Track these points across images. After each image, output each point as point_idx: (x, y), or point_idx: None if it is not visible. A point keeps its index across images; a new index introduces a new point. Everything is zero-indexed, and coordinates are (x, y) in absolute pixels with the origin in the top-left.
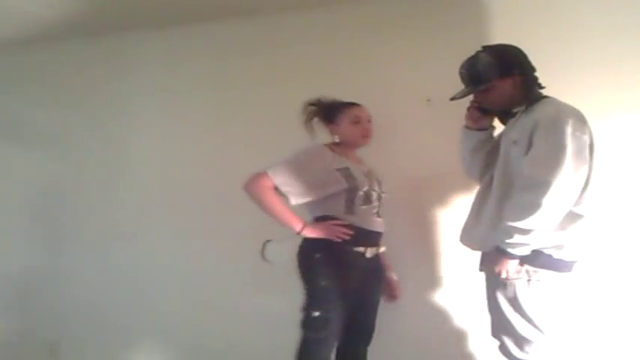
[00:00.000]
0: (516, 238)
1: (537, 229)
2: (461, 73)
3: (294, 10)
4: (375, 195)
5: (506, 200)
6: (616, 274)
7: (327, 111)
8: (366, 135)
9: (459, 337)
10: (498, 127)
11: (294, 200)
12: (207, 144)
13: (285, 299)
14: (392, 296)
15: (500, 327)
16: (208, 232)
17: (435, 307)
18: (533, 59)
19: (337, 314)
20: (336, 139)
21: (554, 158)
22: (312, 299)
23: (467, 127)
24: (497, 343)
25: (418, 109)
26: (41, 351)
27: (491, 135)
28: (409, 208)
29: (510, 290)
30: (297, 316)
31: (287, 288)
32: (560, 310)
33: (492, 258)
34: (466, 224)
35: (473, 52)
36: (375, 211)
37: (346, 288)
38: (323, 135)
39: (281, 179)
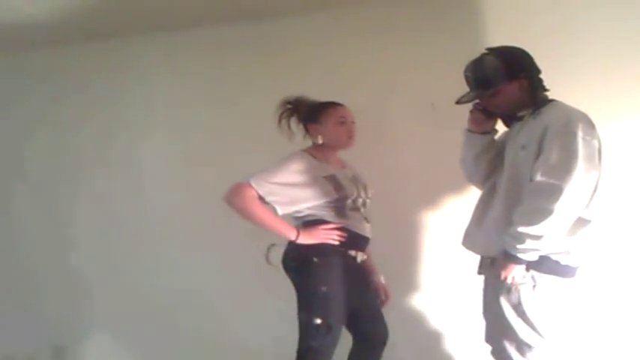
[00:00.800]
0: (528, 244)
1: (548, 235)
2: (466, 77)
3: (297, 14)
4: (360, 201)
5: (514, 205)
6: (618, 279)
7: (310, 111)
8: (351, 136)
9: (446, 341)
10: (500, 129)
11: (282, 210)
12: (211, 147)
13: (285, 301)
14: (381, 301)
15: (501, 332)
16: (210, 235)
17: (421, 311)
18: (536, 62)
19: (338, 320)
20: (319, 141)
21: (565, 164)
22: (312, 306)
23: (470, 130)
24: (489, 348)
25: (422, 114)
26: (46, 355)
27: (493, 139)
28: (405, 211)
29: (515, 295)
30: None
31: (286, 290)
32: (563, 316)
33: (498, 263)
34: (469, 228)
35: (476, 56)
36: (363, 216)
37: (344, 292)
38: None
39: (265, 189)
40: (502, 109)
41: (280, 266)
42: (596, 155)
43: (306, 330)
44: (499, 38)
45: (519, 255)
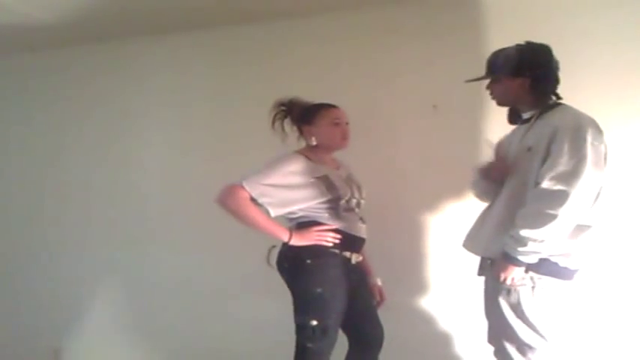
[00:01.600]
0: (529, 247)
1: (550, 239)
2: (487, 59)
3: (299, 16)
4: (354, 202)
5: (516, 207)
6: (617, 280)
7: (303, 112)
8: (345, 137)
9: (447, 342)
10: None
11: (275, 212)
12: (211, 150)
13: (282, 304)
14: (377, 302)
15: (502, 333)
16: (208, 237)
17: (423, 312)
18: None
19: (334, 321)
20: (313, 142)
21: (574, 169)
22: (308, 307)
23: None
24: (492, 348)
25: (424, 116)
26: (44, 357)
27: None
28: (404, 211)
29: (514, 297)
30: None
31: (283, 293)
32: (563, 317)
33: (498, 264)
34: (471, 230)
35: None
36: (358, 217)
37: (340, 294)
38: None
39: (258, 191)
40: (501, 100)
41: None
42: (602, 160)
43: (302, 332)
44: (501, 41)
45: (519, 257)
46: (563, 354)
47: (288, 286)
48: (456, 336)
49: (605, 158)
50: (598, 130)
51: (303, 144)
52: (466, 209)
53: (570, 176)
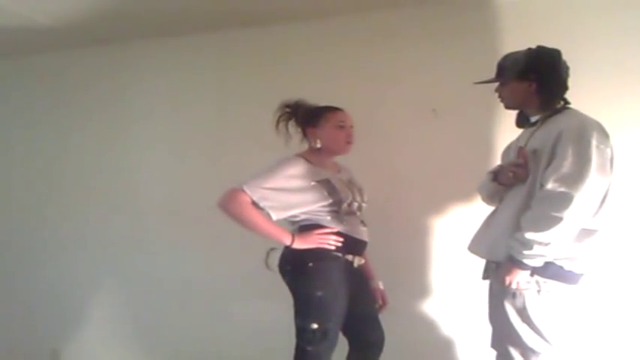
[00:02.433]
0: (535, 250)
1: (555, 242)
2: (497, 62)
3: (299, 19)
4: (356, 205)
5: (521, 210)
6: (623, 286)
7: (308, 114)
8: (349, 141)
9: (449, 347)
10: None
11: (276, 216)
12: (210, 152)
13: (282, 306)
14: (379, 306)
15: (506, 337)
16: (207, 239)
17: (425, 316)
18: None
19: (334, 325)
20: (317, 145)
21: (578, 172)
22: (309, 310)
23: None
24: (494, 353)
25: (423, 120)
26: (43, 358)
27: None
28: (406, 215)
29: (519, 300)
30: (293, 322)
31: (283, 295)
32: (568, 322)
33: (503, 267)
34: (477, 233)
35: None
36: (360, 220)
37: (341, 297)
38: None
39: (259, 195)
40: (508, 103)
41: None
42: (608, 164)
43: (302, 334)
44: (502, 44)
45: (525, 260)
46: (567, 359)
47: (290, 289)
48: (458, 340)
49: (612, 162)
50: (604, 134)
51: (306, 146)
52: (467, 212)
53: (574, 179)
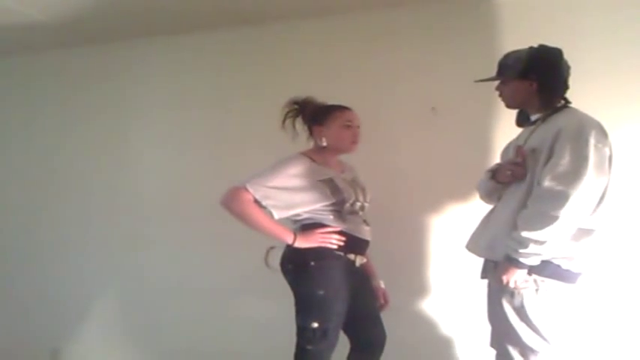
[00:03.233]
0: (531, 249)
1: (551, 241)
2: (498, 61)
3: (298, 18)
4: (359, 205)
5: (518, 208)
6: (622, 284)
7: (316, 112)
8: (355, 141)
9: (449, 346)
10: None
11: (279, 214)
12: (210, 151)
13: (282, 305)
14: (381, 305)
15: (505, 336)
16: (207, 238)
17: (425, 315)
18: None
19: (335, 324)
20: (323, 143)
21: (575, 170)
22: (309, 309)
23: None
24: (494, 352)
25: (423, 118)
26: (42, 358)
27: None
28: (405, 213)
29: (517, 299)
30: (293, 321)
31: (283, 294)
32: (566, 321)
33: (500, 266)
34: (475, 232)
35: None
36: (362, 219)
37: (342, 296)
38: (302, 136)
39: (262, 193)
40: (509, 102)
41: (279, 269)
42: (606, 163)
43: (302, 333)
44: (501, 43)
45: (521, 259)
46: (565, 357)
47: (291, 288)
48: (458, 339)
49: (610, 161)
50: (602, 133)
51: (312, 144)
52: (467, 211)
53: (571, 177)
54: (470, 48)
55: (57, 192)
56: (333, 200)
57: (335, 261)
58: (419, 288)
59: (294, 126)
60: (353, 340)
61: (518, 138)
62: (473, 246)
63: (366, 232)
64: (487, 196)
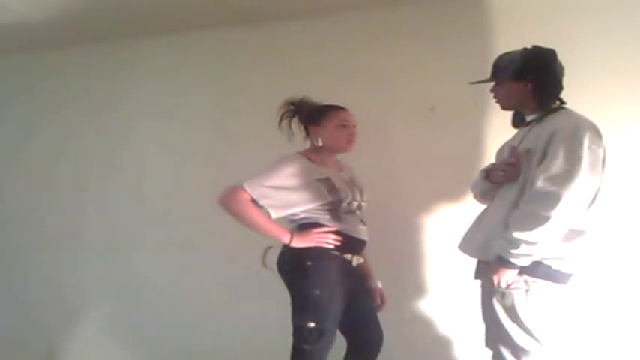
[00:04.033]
0: (522, 249)
1: (543, 242)
2: (493, 62)
3: (297, 18)
4: (356, 205)
5: (511, 209)
6: (613, 286)
7: (312, 112)
8: (351, 140)
9: (445, 345)
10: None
11: (275, 214)
12: (208, 151)
13: (279, 305)
14: (378, 305)
15: (497, 336)
16: (205, 238)
17: (421, 315)
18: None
19: (331, 324)
20: (319, 143)
21: (568, 171)
22: (306, 309)
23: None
24: (490, 352)
25: (422, 117)
26: (38, 357)
27: None
28: (401, 213)
29: (508, 299)
30: (290, 321)
31: (280, 294)
32: (558, 321)
33: (492, 267)
34: (468, 232)
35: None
36: (359, 219)
37: (339, 296)
38: (298, 136)
39: (259, 193)
40: (504, 103)
41: (275, 269)
42: (600, 165)
43: (299, 333)
44: (499, 43)
45: (512, 260)
46: (557, 358)
47: (288, 288)
48: (453, 339)
49: (604, 162)
50: (597, 134)
51: (308, 144)
52: (464, 211)
53: (564, 178)
54: (467, 48)
55: (54, 191)
56: (330, 199)
57: (331, 261)
58: (416, 288)
59: (290, 126)
60: (350, 340)
61: (513, 138)
62: (465, 246)
63: (363, 232)
64: (481, 196)
